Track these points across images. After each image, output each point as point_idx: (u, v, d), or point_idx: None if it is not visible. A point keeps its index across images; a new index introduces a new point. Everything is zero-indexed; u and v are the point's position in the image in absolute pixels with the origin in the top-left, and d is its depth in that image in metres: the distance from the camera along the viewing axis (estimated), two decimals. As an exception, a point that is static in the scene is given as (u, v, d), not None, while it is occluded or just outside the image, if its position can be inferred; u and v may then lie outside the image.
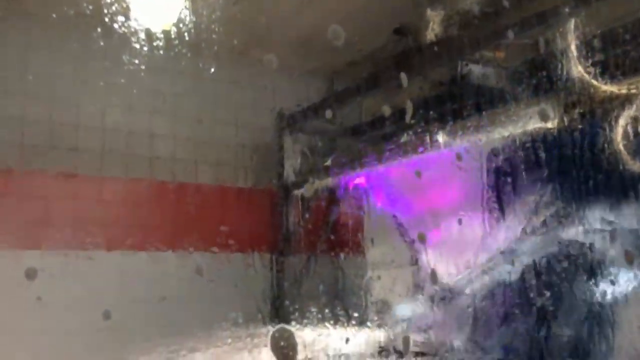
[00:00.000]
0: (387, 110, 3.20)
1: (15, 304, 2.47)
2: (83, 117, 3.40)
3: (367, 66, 3.67)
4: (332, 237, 3.61)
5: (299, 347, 1.81)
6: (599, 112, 2.74)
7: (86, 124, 3.41)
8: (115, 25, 2.81)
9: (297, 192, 3.67)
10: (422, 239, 2.77)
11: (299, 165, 3.73)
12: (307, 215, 3.64)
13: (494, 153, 2.83)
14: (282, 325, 1.63)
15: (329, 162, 3.60)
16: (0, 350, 2.28)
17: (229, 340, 2.00)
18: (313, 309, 2.31)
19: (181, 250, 3.00)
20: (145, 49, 2.99)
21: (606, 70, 2.73)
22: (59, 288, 2.47)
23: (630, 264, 2.38)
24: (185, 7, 2.98)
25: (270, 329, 1.70)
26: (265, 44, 3.64)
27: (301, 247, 3.61)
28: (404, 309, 2.81)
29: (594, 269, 2.46)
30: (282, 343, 1.57)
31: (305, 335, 1.99)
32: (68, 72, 3.35)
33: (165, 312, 2.64)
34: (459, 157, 2.70)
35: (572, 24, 2.79)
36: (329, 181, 3.58)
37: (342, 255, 3.57)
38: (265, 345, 1.75)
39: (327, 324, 2.17)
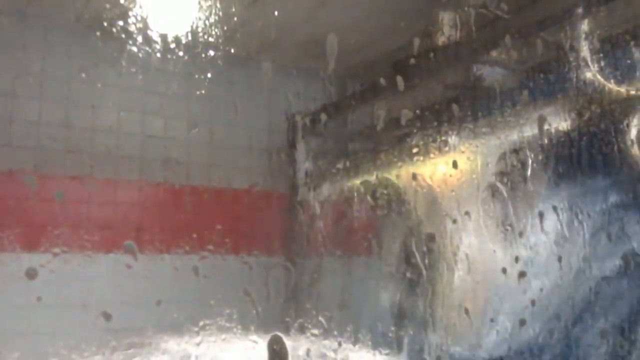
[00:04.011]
0: (407, 115, 3.17)
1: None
2: (98, 120, 3.45)
3: (380, 69, 3.65)
4: (344, 240, 3.60)
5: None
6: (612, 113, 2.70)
7: (100, 127, 3.46)
8: (131, 30, 2.83)
9: (309, 195, 3.67)
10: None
11: (311, 168, 3.72)
12: (319, 218, 3.63)
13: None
14: (275, 333, 1.62)
15: (341, 165, 3.60)
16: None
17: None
18: (324, 314, 2.29)
19: (195, 254, 3.00)
20: (159, 53, 3.02)
21: (620, 72, 2.71)
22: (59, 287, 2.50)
23: None
24: (200, 12, 3.00)
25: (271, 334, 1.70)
26: (279, 46, 3.64)
27: (313, 250, 3.60)
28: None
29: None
30: (273, 354, 1.57)
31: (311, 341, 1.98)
32: (84, 76, 3.40)
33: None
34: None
35: (585, 24, 2.76)
36: (342, 184, 3.58)
37: (353, 257, 3.55)
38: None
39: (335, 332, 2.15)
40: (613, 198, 2.70)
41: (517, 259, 2.33)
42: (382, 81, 3.06)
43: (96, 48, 3.12)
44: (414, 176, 2.83)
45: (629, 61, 2.65)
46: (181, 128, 3.65)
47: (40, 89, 3.36)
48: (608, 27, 2.74)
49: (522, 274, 2.30)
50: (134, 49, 2.95)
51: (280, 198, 3.73)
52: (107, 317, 1.95)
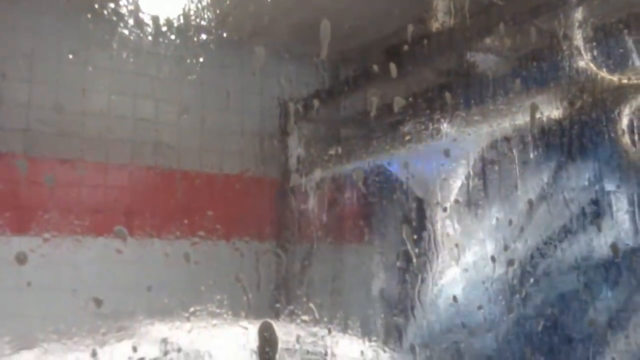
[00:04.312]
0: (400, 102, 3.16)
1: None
2: (89, 103, 3.43)
3: (373, 54, 3.64)
4: (336, 226, 3.60)
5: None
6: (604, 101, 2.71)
7: (91, 110, 3.44)
8: (122, 12, 2.81)
9: (301, 181, 3.66)
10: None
11: (303, 154, 3.72)
12: (311, 205, 3.63)
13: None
14: (266, 320, 1.63)
15: (333, 151, 3.59)
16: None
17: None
18: (314, 301, 2.30)
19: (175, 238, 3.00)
20: (151, 36, 3.00)
21: (613, 60, 2.71)
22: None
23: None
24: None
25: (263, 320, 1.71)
26: (272, 30, 3.62)
27: (305, 236, 3.60)
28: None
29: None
30: (263, 341, 1.58)
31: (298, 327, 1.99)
32: (74, 58, 3.37)
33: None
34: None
35: (579, 12, 2.76)
36: (334, 170, 3.57)
37: (345, 244, 3.56)
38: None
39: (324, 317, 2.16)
40: (602, 186, 2.72)
41: (506, 248, 2.35)
42: (375, 68, 3.06)
43: (87, 30, 3.09)
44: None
45: (622, 50, 2.66)
46: (172, 112, 3.63)
47: (30, 72, 3.33)
48: (602, 16, 2.74)
49: (510, 262, 2.32)
50: (125, 31, 2.93)
51: (271, 184, 3.73)
52: (98, 302, 1.95)
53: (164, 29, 3.01)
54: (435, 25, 3.24)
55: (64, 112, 3.37)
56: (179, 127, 3.62)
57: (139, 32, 2.92)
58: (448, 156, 2.69)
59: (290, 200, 3.52)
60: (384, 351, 2.02)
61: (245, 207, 3.55)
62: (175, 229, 2.79)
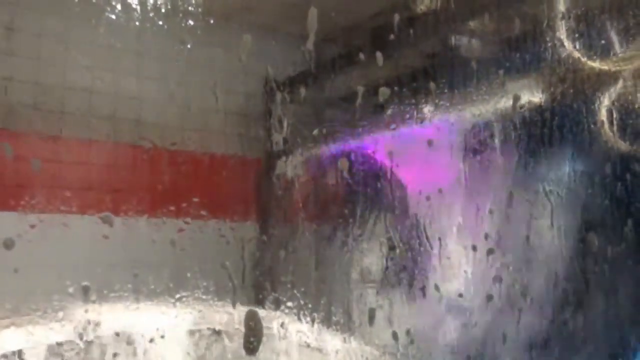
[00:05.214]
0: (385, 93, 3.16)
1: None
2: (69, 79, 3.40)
3: (359, 34, 3.63)
4: (317, 208, 3.63)
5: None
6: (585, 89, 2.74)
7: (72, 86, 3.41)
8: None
9: (284, 161, 3.67)
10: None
11: (286, 134, 3.72)
12: (293, 185, 3.65)
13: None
14: (251, 308, 1.66)
15: (316, 132, 3.59)
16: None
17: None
18: (299, 288, 2.34)
19: (159, 218, 3.00)
20: (134, 11, 2.97)
21: (594, 47, 2.73)
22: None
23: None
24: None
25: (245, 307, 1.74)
26: (257, 8, 3.60)
27: (287, 217, 3.63)
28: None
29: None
30: (248, 329, 1.61)
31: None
32: (55, 33, 3.33)
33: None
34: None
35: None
36: (317, 151, 3.58)
37: (326, 226, 3.59)
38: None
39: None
40: (581, 175, 2.77)
41: (486, 236, 2.40)
42: (362, 56, 3.06)
43: (70, 9, 3.06)
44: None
45: (603, 41, 2.68)
46: (157, 90, 3.61)
47: (11, 47, 3.29)
48: (585, 2, 2.76)
49: (490, 251, 2.37)
50: (106, 7, 2.89)
51: (257, 167, 3.73)
52: (85, 289, 1.97)
53: (149, 7, 2.97)
54: (420, 8, 3.23)
55: (45, 87, 3.34)
56: (162, 105, 3.60)
57: (123, 10, 2.88)
58: (431, 144, 2.72)
59: (274, 184, 3.54)
60: (366, 339, 2.08)
61: (229, 190, 3.56)
62: (162, 214, 2.80)
